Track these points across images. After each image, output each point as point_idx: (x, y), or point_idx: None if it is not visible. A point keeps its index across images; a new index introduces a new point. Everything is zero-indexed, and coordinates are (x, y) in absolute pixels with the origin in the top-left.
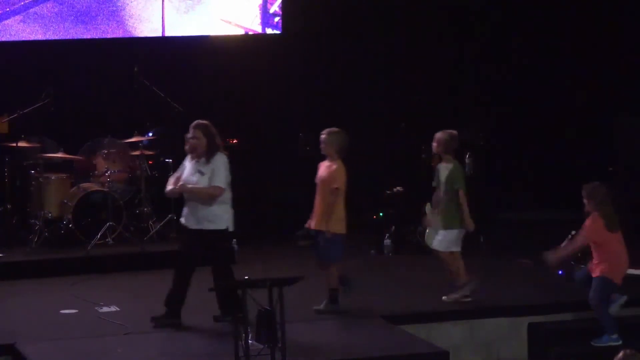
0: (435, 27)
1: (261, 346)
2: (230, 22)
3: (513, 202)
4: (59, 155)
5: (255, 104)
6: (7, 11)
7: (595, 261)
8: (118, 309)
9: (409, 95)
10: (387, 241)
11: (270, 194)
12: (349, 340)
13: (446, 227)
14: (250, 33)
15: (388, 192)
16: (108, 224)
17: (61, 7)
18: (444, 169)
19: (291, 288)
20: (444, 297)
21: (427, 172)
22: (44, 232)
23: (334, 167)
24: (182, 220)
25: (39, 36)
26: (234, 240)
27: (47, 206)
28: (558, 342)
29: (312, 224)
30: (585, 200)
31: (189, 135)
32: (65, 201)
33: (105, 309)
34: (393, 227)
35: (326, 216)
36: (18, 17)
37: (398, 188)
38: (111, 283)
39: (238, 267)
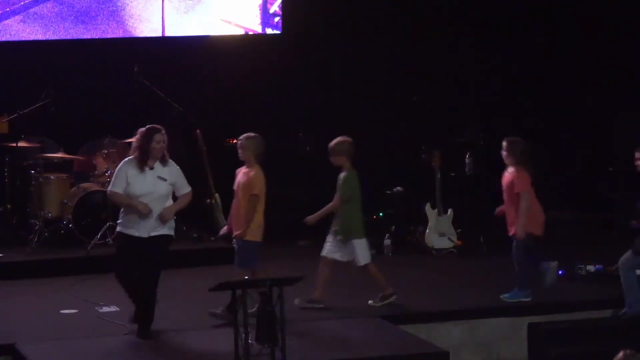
0: (435, 26)
1: (261, 346)
2: (230, 22)
3: None
4: (59, 155)
5: (255, 104)
6: (7, 11)
7: (514, 216)
8: (118, 309)
9: (409, 95)
10: (387, 241)
11: (269, 194)
12: (349, 340)
13: (346, 237)
14: (250, 33)
15: (388, 192)
16: (108, 224)
17: (61, 7)
18: (340, 177)
19: (291, 288)
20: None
21: (427, 172)
22: (44, 232)
23: (252, 173)
24: (131, 231)
25: (39, 36)
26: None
27: (47, 206)
28: (558, 342)
29: (232, 228)
30: (504, 153)
31: (159, 139)
32: (65, 201)
33: (105, 309)
34: (393, 227)
35: (245, 223)
36: (18, 17)
37: (398, 188)
38: (111, 283)
39: None
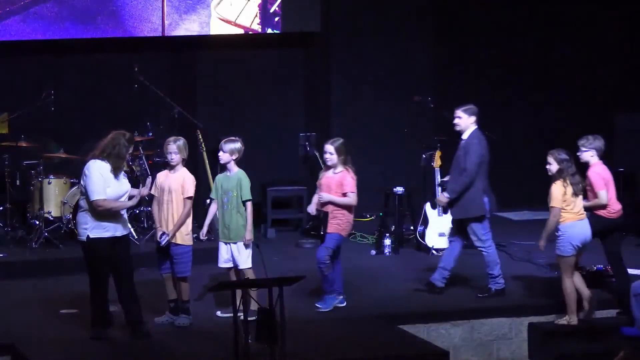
0: (432, 26)
1: (261, 346)
2: (230, 22)
3: (512, 202)
4: (59, 155)
5: (255, 104)
6: (7, 11)
7: (335, 217)
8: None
9: (410, 95)
10: (387, 241)
11: (269, 194)
12: (349, 340)
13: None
14: (250, 33)
15: (388, 192)
16: None
17: (61, 7)
18: (234, 177)
19: (291, 288)
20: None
21: (427, 172)
22: (44, 232)
23: (186, 176)
24: (108, 233)
25: (39, 36)
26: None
27: (47, 206)
28: (558, 342)
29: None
30: (332, 155)
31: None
32: (65, 201)
33: None
34: (393, 227)
35: (175, 227)
36: (18, 17)
37: (398, 188)
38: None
39: None
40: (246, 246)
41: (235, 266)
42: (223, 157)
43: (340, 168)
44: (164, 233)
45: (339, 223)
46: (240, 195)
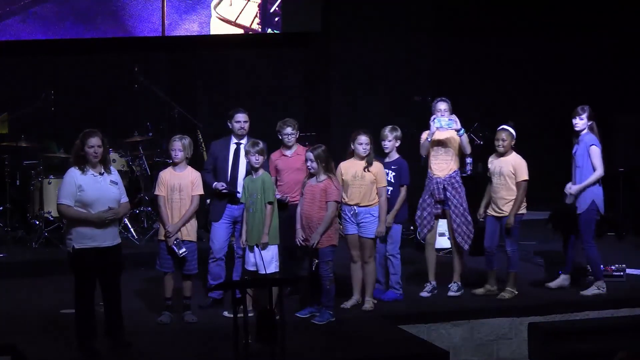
0: (432, 26)
1: (261, 346)
2: (230, 22)
3: None
4: (59, 155)
5: (255, 104)
6: (7, 11)
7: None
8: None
9: (410, 95)
10: None
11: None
12: (349, 340)
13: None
14: (250, 33)
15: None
16: None
17: (61, 7)
18: (259, 179)
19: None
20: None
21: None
22: (44, 232)
23: (193, 173)
24: (94, 243)
25: (39, 36)
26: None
27: (47, 206)
28: (558, 342)
29: (172, 231)
30: (314, 164)
31: (94, 143)
32: None
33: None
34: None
35: (184, 223)
36: (18, 17)
37: None
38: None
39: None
40: (264, 249)
41: (259, 270)
42: (261, 160)
43: (323, 176)
44: (177, 239)
45: (329, 235)
46: (263, 197)
